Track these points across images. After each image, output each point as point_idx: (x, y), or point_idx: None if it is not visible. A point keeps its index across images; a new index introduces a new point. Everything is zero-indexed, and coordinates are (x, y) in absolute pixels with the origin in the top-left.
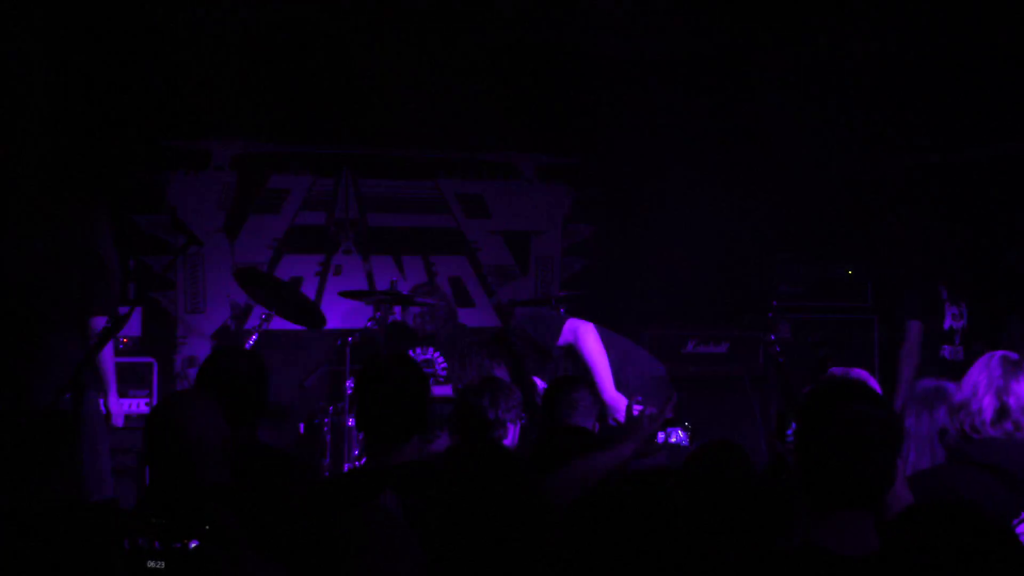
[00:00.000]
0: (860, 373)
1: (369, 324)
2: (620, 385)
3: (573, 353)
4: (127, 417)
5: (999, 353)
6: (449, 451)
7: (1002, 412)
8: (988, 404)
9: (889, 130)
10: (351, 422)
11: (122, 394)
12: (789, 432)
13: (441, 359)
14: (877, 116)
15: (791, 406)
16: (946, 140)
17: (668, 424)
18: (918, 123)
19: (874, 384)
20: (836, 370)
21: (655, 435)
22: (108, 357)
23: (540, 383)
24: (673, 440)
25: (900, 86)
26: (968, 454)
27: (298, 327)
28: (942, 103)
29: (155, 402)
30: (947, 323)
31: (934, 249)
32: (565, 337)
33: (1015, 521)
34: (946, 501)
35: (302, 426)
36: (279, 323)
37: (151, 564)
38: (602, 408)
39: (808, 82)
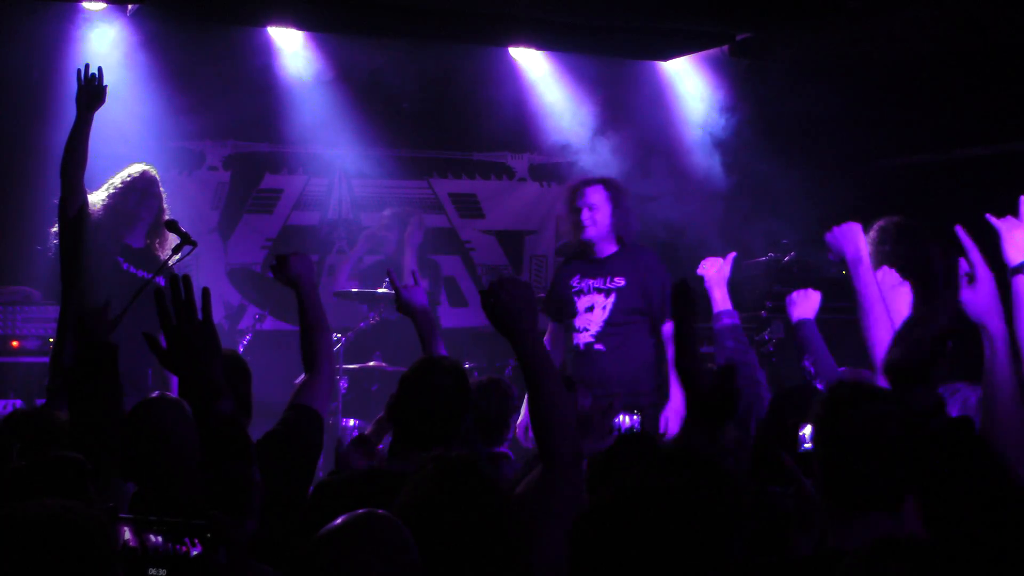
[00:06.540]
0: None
1: (362, 324)
2: None
3: None
4: None
5: None
6: (429, 464)
7: None
8: None
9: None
10: (345, 422)
11: None
12: (803, 437)
13: None
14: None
15: (802, 416)
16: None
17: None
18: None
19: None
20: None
21: (609, 429)
22: None
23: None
24: (625, 428)
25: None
26: None
27: (291, 327)
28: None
29: None
30: None
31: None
32: None
33: None
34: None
35: None
36: (272, 323)
37: (152, 572)
38: None
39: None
